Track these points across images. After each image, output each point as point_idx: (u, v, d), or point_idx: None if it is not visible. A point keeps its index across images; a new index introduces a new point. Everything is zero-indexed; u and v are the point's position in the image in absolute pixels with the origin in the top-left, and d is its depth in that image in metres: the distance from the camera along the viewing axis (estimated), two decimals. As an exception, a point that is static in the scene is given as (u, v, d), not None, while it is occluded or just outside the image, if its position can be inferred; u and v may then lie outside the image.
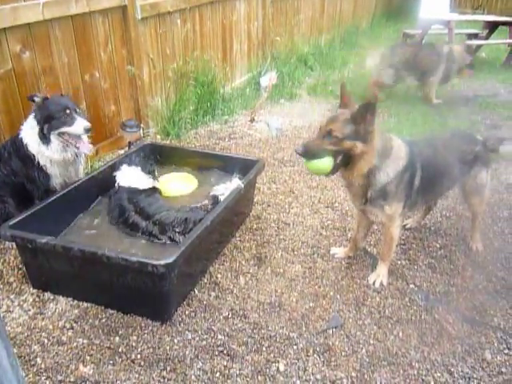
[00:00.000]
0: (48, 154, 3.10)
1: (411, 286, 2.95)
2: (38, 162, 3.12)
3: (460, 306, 2.79)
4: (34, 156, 3.10)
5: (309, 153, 2.46)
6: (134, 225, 3.10)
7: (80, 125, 3.07)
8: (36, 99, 3.06)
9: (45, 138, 3.05)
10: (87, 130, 3.09)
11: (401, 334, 2.57)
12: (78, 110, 3.15)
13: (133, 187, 3.30)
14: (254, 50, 7.09)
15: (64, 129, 3.06)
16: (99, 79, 4.28)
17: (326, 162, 2.47)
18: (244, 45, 6.78)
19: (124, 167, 3.44)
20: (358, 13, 11.28)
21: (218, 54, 6.12)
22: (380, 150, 2.53)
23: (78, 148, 3.17)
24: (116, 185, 3.38)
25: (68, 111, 3.06)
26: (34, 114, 3.08)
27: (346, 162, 2.50)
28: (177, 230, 3.01)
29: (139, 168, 3.45)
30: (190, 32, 5.42)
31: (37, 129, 3.05)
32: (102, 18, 4.14)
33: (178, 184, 3.76)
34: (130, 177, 3.38)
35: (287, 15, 7.84)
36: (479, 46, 8.97)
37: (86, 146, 3.20)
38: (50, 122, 3.04)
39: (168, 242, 3.00)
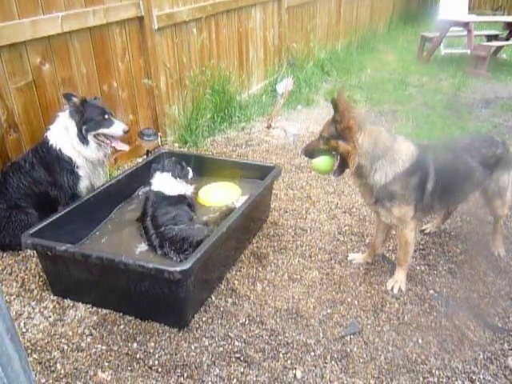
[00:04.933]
0: (86, 153, 3.27)
1: (431, 291, 2.90)
2: (75, 164, 3.27)
3: (481, 312, 2.73)
4: (69, 158, 3.24)
5: (307, 152, 2.73)
6: (146, 229, 3.14)
7: (119, 127, 3.33)
8: (74, 99, 3.20)
9: (84, 138, 3.22)
10: (126, 132, 3.34)
11: (420, 340, 2.53)
12: (112, 113, 3.38)
13: (160, 191, 3.36)
14: (271, 57, 7.12)
15: (102, 130, 3.27)
16: (117, 89, 4.35)
17: (326, 162, 2.65)
18: (260, 52, 6.81)
19: (158, 173, 3.50)
20: (375, 17, 11.23)
21: (234, 62, 6.17)
22: (370, 149, 2.52)
23: (114, 147, 3.39)
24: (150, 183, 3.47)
25: (106, 115, 3.28)
26: (70, 115, 3.20)
27: (344, 161, 2.59)
28: (172, 247, 2.94)
29: (169, 173, 3.48)
30: (206, 40, 5.47)
31: (74, 130, 3.20)
32: (119, 29, 4.22)
33: (220, 193, 3.73)
34: (162, 181, 3.44)
35: (303, 21, 7.85)
36: (500, 48, 8.83)
37: (123, 145, 3.47)
38: (88, 123, 3.21)
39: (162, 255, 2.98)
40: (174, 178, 3.47)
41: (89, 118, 3.20)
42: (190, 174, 3.66)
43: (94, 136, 3.27)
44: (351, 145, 2.50)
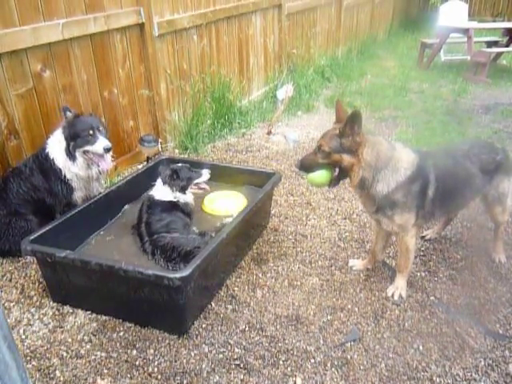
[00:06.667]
0: (74, 169, 3.20)
1: (431, 298, 2.89)
2: (65, 176, 3.21)
3: (482, 319, 2.72)
4: (60, 170, 3.19)
5: (304, 167, 2.63)
6: (140, 236, 3.14)
7: (100, 144, 3.15)
8: (68, 114, 3.15)
9: (71, 154, 3.16)
10: (107, 150, 3.17)
11: (421, 347, 2.51)
12: (101, 129, 3.23)
13: (152, 196, 3.35)
14: (271, 63, 7.14)
15: (87, 147, 3.16)
16: (118, 95, 4.36)
17: (323, 176, 2.58)
18: (260, 58, 6.83)
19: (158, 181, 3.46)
20: (375, 24, 11.28)
21: (234, 68, 6.19)
22: (373, 161, 2.51)
23: (98, 165, 3.25)
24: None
25: (91, 131, 3.15)
26: (62, 130, 3.17)
27: (344, 174, 2.57)
28: (163, 255, 2.94)
29: (160, 180, 3.43)
30: (207, 47, 5.50)
31: (64, 144, 3.15)
32: (120, 36, 4.24)
33: (226, 202, 3.67)
34: (157, 186, 3.42)
35: (303, 28, 7.89)
36: (499, 54, 8.85)
37: (106, 163, 3.27)
38: (75, 140, 3.14)
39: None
40: (165, 184, 3.38)
41: (76, 135, 3.12)
42: (202, 179, 3.49)
43: (84, 153, 3.18)
44: (356, 158, 2.48)
